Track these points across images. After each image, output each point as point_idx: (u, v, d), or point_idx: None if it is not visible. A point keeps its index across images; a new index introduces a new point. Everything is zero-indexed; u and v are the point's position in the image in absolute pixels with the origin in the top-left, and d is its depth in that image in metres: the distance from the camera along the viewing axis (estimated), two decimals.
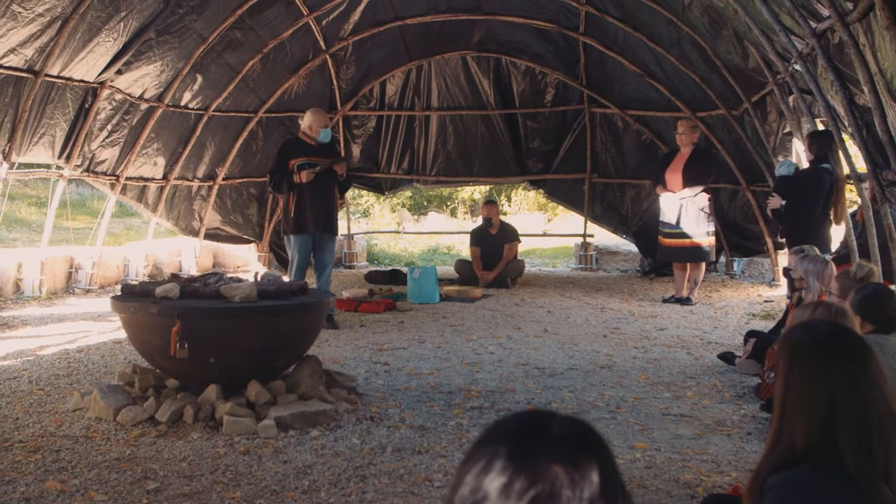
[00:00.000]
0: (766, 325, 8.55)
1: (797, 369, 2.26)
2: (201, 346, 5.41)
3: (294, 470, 4.55)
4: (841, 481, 2.09)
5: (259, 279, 6.22)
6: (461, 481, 1.27)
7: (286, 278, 8.13)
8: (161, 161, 12.31)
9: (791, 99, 9.14)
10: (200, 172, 13.34)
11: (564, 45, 13.69)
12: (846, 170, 8.40)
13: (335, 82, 14.26)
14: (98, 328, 8.93)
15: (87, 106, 10.23)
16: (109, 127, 10.87)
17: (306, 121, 9.02)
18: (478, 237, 13.02)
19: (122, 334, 7.04)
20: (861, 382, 2.17)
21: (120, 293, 6.12)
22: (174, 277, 6.42)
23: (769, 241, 12.17)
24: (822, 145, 8.22)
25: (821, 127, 8.60)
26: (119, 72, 10.26)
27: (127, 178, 11.71)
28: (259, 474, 4.48)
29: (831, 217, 8.35)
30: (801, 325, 2.48)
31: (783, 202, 8.33)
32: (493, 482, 1.23)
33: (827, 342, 2.28)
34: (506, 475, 1.23)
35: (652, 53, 12.23)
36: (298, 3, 12.03)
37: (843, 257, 8.12)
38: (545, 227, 22.64)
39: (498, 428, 1.34)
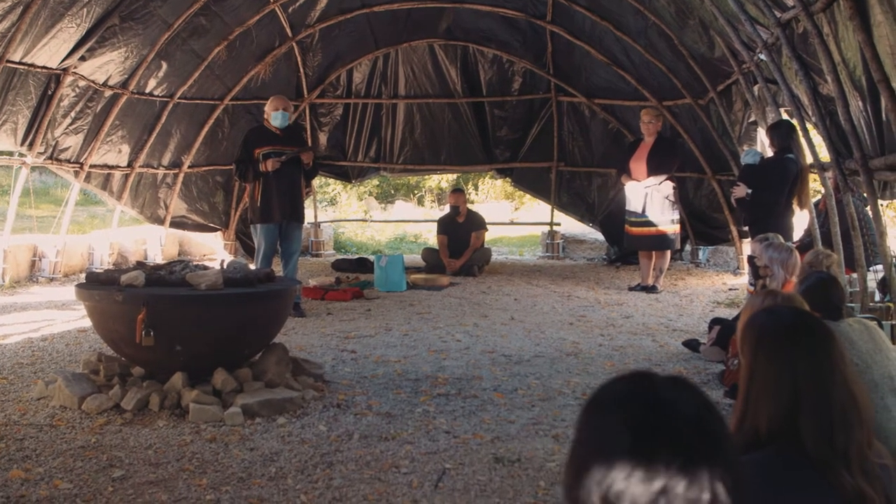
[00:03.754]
0: (730, 313, 8.62)
1: (762, 354, 2.28)
2: (167, 333, 5.38)
3: (261, 457, 4.55)
4: (801, 466, 2.12)
5: (225, 267, 6.20)
6: (589, 473, 1.27)
7: (252, 266, 8.10)
8: (126, 148, 12.21)
9: (756, 88, 9.22)
10: (166, 160, 13.24)
11: (532, 33, 13.72)
12: (809, 159, 8.48)
13: (301, 70, 14.21)
14: (62, 317, 8.86)
15: (50, 92, 10.11)
16: (73, 114, 10.76)
17: (266, 109, 9.02)
18: (445, 225, 13.03)
19: (87, 322, 6.99)
20: (825, 367, 2.19)
21: (84, 281, 6.08)
22: (139, 265, 6.38)
23: (734, 229, 12.26)
24: (783, 135, 8.29)
25: (785, 116, 8.67)
26: (83, 58, 10.15)
27: (91, 166, 11.61)
28: (225, 461, 4.47)
29: (795, 204, 8.43)
30: (765, 310, 2.50)
31: (749, 191, 8.39)
32: (635, 479, 1.23)
33: (792, 327, 2.30)
34: (632, 463, 1.24)
35: (619, 42, 12.28)
36: None
37: (806, 246, 8.20)
38: (512, 216, 22.68)
39: (617, 405, 1.33)
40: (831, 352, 2.23)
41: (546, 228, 15.57)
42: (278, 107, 8.91)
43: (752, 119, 10.07)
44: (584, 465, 1.27)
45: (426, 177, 24.39)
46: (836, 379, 2.18)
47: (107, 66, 10.77)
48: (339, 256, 14.99)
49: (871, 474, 2.11)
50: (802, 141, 8.33)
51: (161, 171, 13.26)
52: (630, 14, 11.30)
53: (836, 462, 2.08)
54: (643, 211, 10.75)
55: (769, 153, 8.85)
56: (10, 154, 10.79)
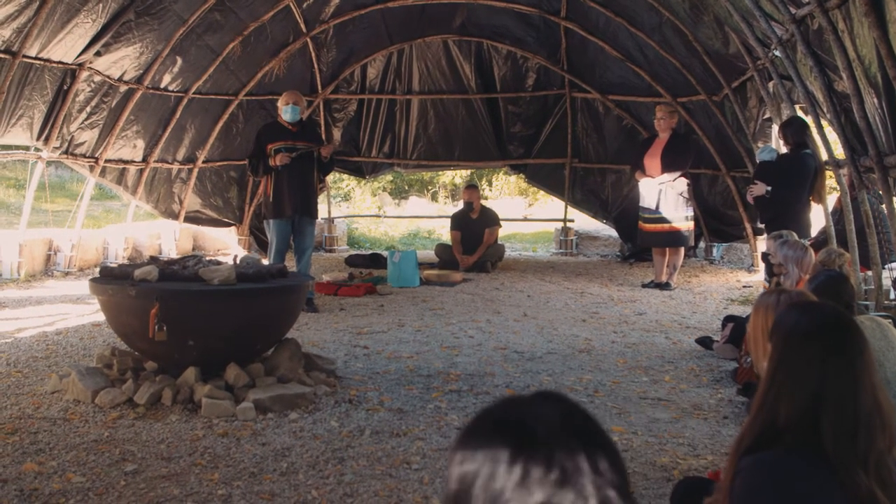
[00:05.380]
0: (744, 311, 8.59)
1: (793, 347, 2.27)
2: (180, 328, 5.40)
3: (272, 452, 4.56)
4: (813, 465, 2.11)
5: (238, 262, 6.22)
6: (464, 478, 1.25)
7: (266, 262, 8.12)
8: (140, 143, 12.24)
9: (771, 85, 9.19)
10: (180, 155, 13.27)
11: (546, 29, 13.69)
12: (825, 156, 8.45)
13: (316, 65, 14.22)
14: (77, 311, 8.90)
15: (65, 87, 10.14)
16: (88, 109, 10.79)
17: (279, 104, 9.04)
18: (458, 221, 13.03)
19: (101, 317, 7.02)
20: (856, 370, 2.18)
21: (99, 276, 6.10)
22: (153, 260, 6.41)
23: (748, 226, 12.23)
24: (797, 132, 8.27)
25: (800, 113, 8.65)
26: (98, 53, 10.18)
27: (106, 161, 11.64)
28: (237, 456, 4.48)
29: (812, 200, 8.40)
30: (804, 305, 2.50)
31: (768, 189, 8.36)
32: (508, 478, 1.21)
33: (828, 326, 2.29)
34: (520, 468, 1.21)
35: (633, 38, 12.25)
36: None
37: (820, 243, 8.17)
38: (526, 212, 22.65)
39: (495, 418, 1.30)
40: (864, 355, 2.22)
41: (560, 225, 15.55)
42: (289, 101, 8.91)
43: (766, 116, 10.04)
44: (466, 493, 1.25)
45: (440, 173, 24.37)
46: (865, 383, 2.18)
47: (122, 62, 10.80)
48: (353, 252, 14.99)
49: (887, 482, 2.11)
50: (816, 137, 8.31)
51: (175, 166, 13.29)
52: (644, 10, 11.27)
53: (854, 463, 2.08)
54: (657, 208, 10.72)
55: (784, 150, 8.82)
56: (26, 149, 10.83)
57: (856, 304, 4.70)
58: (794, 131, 8.28)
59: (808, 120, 8.32)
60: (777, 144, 9.82)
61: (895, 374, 3.74)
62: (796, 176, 8.22)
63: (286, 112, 8.86)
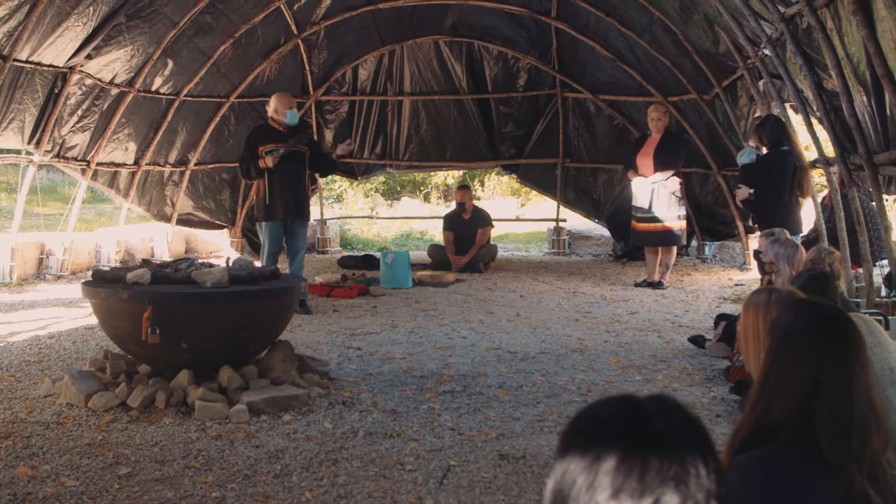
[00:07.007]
0: (736, 309, 8.60)
1: (790, 345, 2.28)
2: (173, 331, 5.40)
3: (266, 454, 4.57)
4: (809, 462, 2.12)
5: (231, 264, 6.22)
6: (565, 484, 1.27)
7: (258, 264, 8.12)
8: (132, 146, 12.22)
9: (761, 84, 9.22)
10: (172, 158, 13.25)
11: (536, 29, 13.70)
12: (814, 154, 8.47)
13: (307, 67, 14.20)
14: (69, 314, 8.89)
15: (56, 91, 10.13)
16: (80, 112, 10.78)
17: (272, 106, 8.93)
18: (451, 222, 13.04)
19: (94, 320, 7.02)
20: (852, 370, 2.19)
21: (91, 279, 6.10)
22: (145, 263, 6.40)
23: (740, 225, 12.27)
24: (772, 130, 8.28)
25: (790, 111, 8.67)
26: (89, 56, 10.17)
27: (98, 164, 11.63)
28: (231, 459, 4.49)
29: (798, 196, 8.41)
30: (802, 303, 2.51)
31: (751, 192, 8.39)
32: (605, 489, 1.23)
33: (826, 324, 2.30)
34: (619, 481, 1.23)
35: (624, 38, 12.26)
36: None
37: (811, 241, 8.20)
38: (518, 212, 22.66)
39: (597, 424, 1.33)
40: (860, 354, 2.23)
41: (552, 225, 15.55)
42: (291, 105, 8.90)
43: (757, 114, 10.05)
44: (570, 488, 1.27)
45: (432, 173, 24.38)
46: (860, 382, 2.19)
47: (113, 65, 10.79)
48: (345, 253, 14.97)
49: (881, 481, 2.12)
50: (807, 135, 8.33)
51: (167, 169, 13.27)
52: (635, 9, 11.29)
53: (848, 460, 2.09)
54: (650, 207, 10.74)
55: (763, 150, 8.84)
56: (18, 152, 10.82)
57: (840, 302, 4.72)
58: (769, 131, 8.29)
59: (798, 118, 8.34)
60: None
61: (883, 370, 3.75)
62: (776, 175, 8.23)
63: (288, 116, 8.82)
